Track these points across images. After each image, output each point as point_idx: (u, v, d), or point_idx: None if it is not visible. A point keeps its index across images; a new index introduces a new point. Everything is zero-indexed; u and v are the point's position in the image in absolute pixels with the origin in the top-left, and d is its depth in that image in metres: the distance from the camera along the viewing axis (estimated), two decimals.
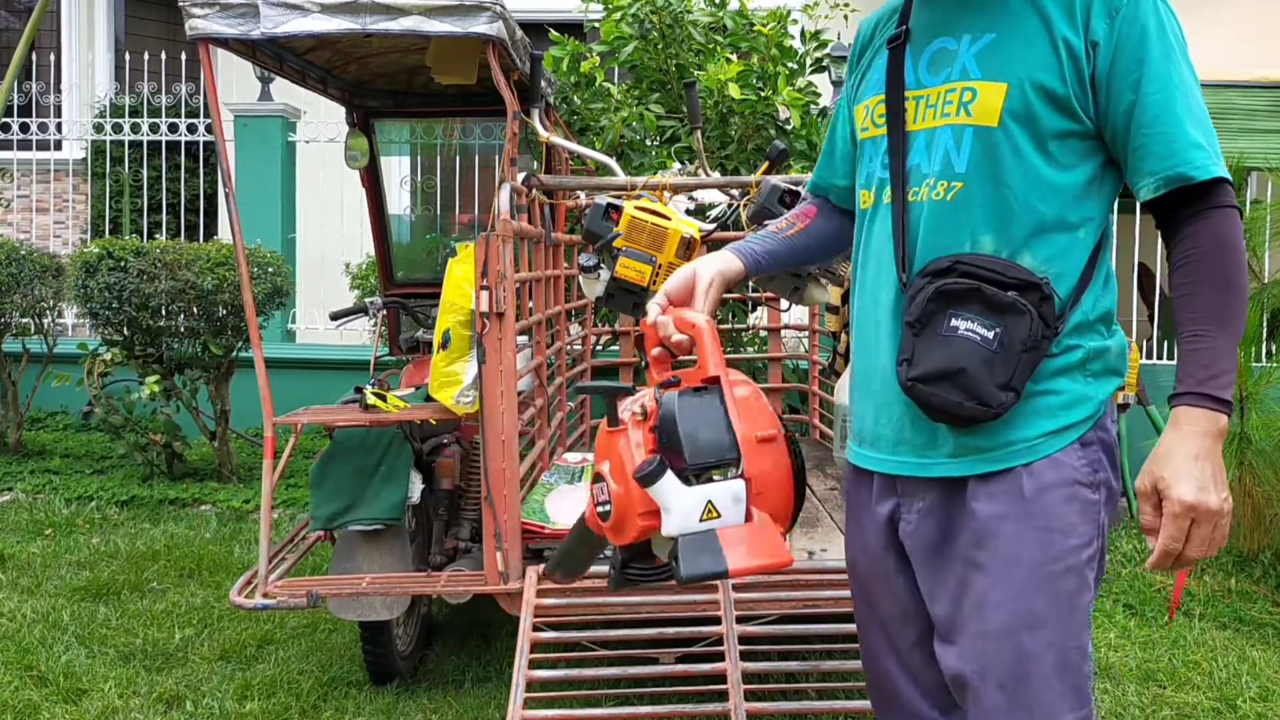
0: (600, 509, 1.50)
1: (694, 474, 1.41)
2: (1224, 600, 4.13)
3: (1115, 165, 1.49)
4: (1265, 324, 5.65)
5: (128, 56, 8.47)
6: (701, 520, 1.38)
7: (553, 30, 5.15)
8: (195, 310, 5.38)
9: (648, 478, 1.39)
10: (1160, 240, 1.52)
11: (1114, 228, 1.55)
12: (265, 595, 2.80)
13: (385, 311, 4.10)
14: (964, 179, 1.47)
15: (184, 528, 4.98)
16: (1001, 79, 1.45)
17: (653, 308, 1.62)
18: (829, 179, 1.81)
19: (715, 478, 1.41)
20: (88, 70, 9.35)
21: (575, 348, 4.49)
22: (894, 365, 1.50)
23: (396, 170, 7.76)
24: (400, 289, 4.34)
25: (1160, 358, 6.03)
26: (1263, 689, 3.32)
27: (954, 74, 1.49)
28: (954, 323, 1.42)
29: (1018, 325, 1.40)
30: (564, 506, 3.02)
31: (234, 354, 5.60)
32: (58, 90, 8.85)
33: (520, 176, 3.06)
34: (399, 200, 7.61)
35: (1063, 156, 1.46)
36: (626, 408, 1.51)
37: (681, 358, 1.56)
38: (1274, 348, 5.85)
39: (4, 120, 7.36)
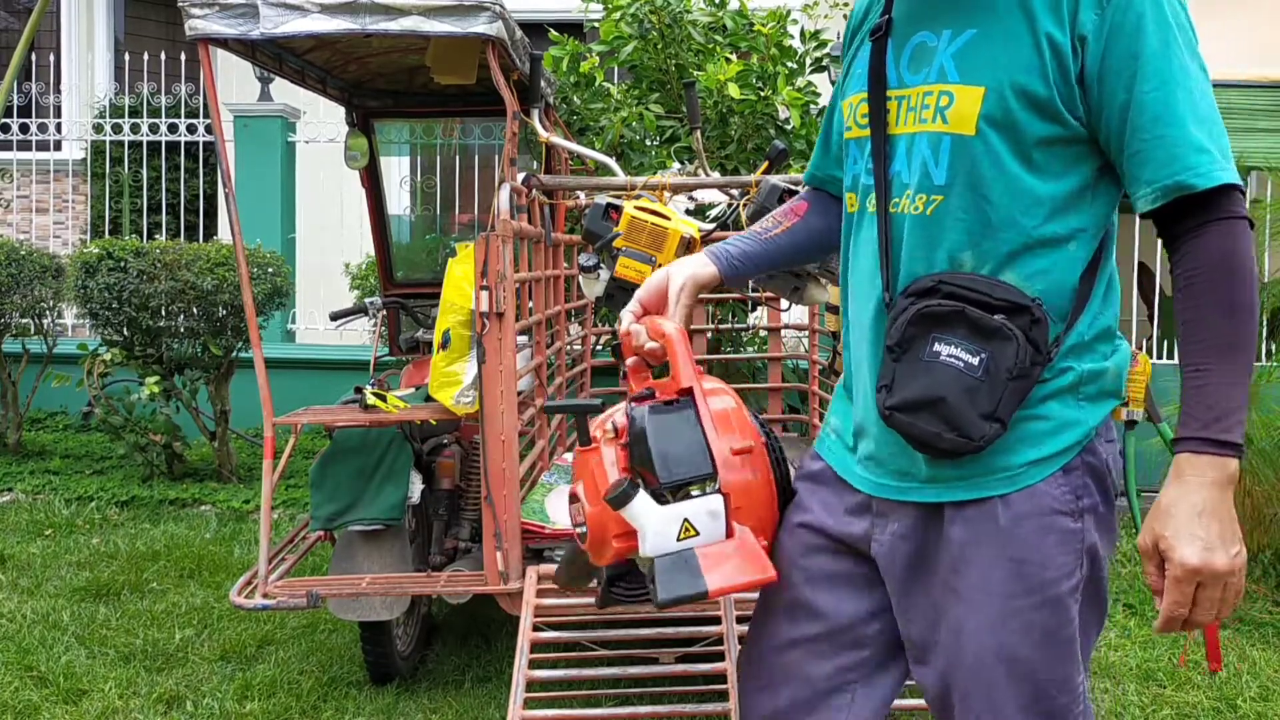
0: (578, 530, 1.44)
1: (670, 492, 1.35)
2: None
3: (1112, 170, 1.35)
4: (1266, 323, 5.66)
5: (128, 56, 8.46)
6: (679, 539, 1.32)
7: (553, 30, 5.14)
8: (195, 310, 5.39)
9: (617, 500, 1.33)
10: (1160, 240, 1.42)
11: (1115, 235, 1.44)
12: (265, 595, 2.80)
13: (385, 311, 4.10)
14: (943, 191, 1.35)
15: (184, 528, 4.98)
16: (979, 82, 1.31)
17: (626, 315, 1.54)
18: (826, 169, 1.68)
19: (694, 494, 1.35)
20: (88, 70, 9.34)
21: (575, 348, 4.49)
22: (874, 389, 1.40)
23: (396, 170, 7.76)
24: (400, 289, 4.34)
25: (1161, 357, 6.03)
26: (1263, 689, 3.32)
27: (932, 75, 1.36)
28: (936, 347, 1.31)
29: (1004, 351, 1.28)
30: (564, 506, 3.02)
31: (234, 354, 5.61)
32: (57, 90, 8.85)
33: (520, 176, 3.06)
34: (399, 200, 7.61)
35: (1048, 165, 1.32)
36: (599, 424, 1.45)
37: (659, 366, 1.50)
38: (1274, 347, 5.85)
39: (4, 120, 7.36)
